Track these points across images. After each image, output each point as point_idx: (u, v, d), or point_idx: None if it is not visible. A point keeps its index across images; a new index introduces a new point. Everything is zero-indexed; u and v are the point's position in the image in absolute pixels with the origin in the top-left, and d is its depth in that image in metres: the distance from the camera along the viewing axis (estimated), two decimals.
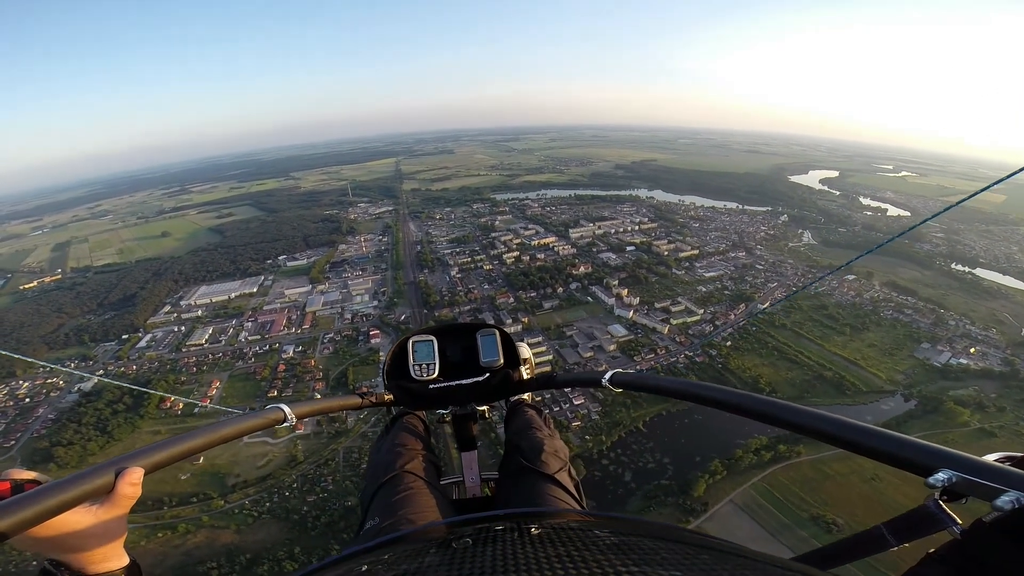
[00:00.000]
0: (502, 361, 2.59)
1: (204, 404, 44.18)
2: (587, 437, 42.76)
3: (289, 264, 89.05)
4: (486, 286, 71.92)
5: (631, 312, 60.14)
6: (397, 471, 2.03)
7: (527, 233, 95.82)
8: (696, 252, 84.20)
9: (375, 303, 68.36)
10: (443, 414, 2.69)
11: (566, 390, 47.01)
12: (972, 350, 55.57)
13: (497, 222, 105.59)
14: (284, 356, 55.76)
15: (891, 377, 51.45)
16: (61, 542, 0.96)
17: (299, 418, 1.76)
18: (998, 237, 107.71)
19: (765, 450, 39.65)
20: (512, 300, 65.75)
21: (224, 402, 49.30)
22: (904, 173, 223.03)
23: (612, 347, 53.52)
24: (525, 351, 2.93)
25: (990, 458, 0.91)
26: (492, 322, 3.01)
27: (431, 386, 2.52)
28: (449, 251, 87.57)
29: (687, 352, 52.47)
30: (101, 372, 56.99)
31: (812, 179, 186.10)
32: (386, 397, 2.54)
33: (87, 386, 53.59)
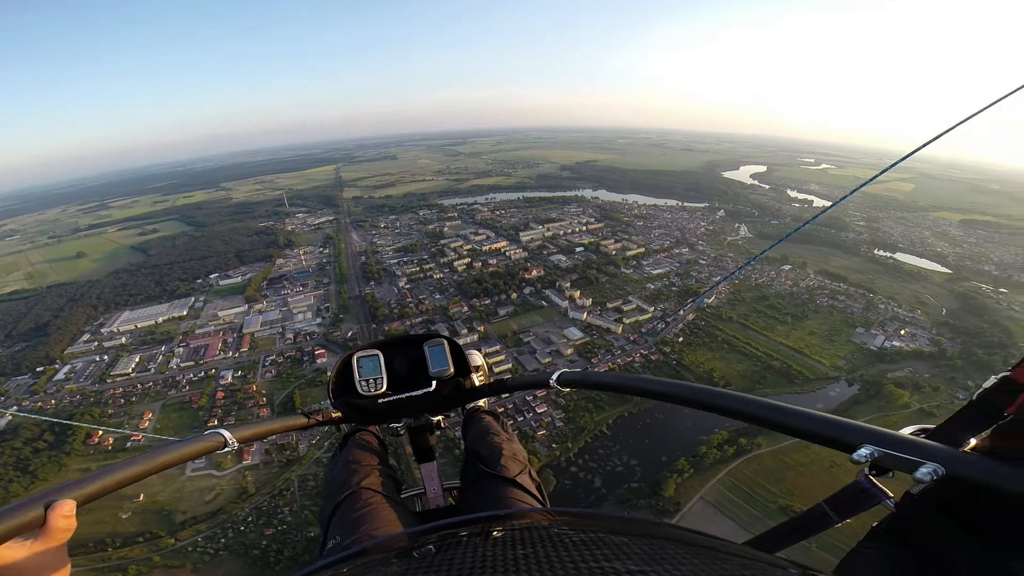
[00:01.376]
0: (452, 370, 2.53)
1: (137, 438, 40.12)
2: (554, 445, 42.25)
3: (222, 283, 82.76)
4: (438, 296, 70.08)
5: (585, 314, 60.48)
6: (354, 488, 1.97)
7: (478, 238, 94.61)
8: (642, 250, 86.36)
9: (319, 320, 64.76)
10: (397, 427, 2.62)
11: (528, 399, 46.73)
12: (903, 332, 60.04)
13: (446, 228, 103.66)
14: (222, 382, 51.75)
15: (834, 363, 54.27)
16: None
17: (241, 443, 1.65)
18: (912, 223, 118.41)
19: (727, 444, 40.60)
20: (466, 309, 64.38)
21: (160, 433, 45.06)
22: (824, 166, 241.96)
23: (569, 351, 53.47)
24: (476, 358, 2.93)
25: (906, 431, 0.97)
26: (443, 332, 3.03)
27: (380, 400, 2.46)
28: (396, 261, 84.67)
29: (642, 351, 53.35)
30: (15, 408, 50.84)
31: (743, 174, 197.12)
32: (333, 415, 2.42)
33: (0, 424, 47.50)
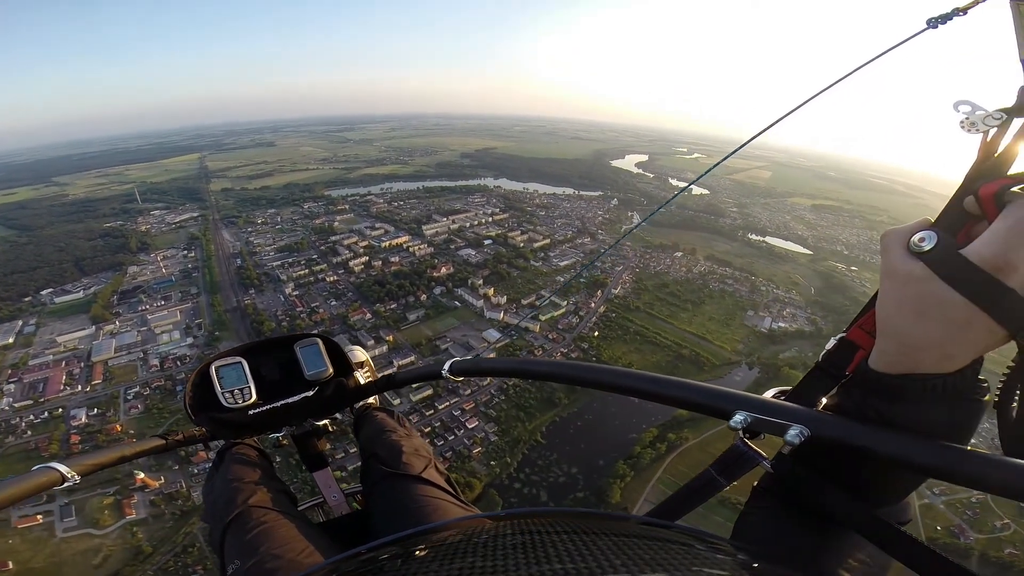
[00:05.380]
0: (331, 370, 2.33)
1: None
2: (492, 463, 39.72)
3: (58, 300, 65.20)
4: (334, 302, 62.44)
5: (501, 313, 57.99)
6: (241, 507, 1.80)
7: (375, 234, 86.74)
8: (548, 241, 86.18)
9: (189, 340, 54.03)
10: (278, 437, 2.39)
11: (456, 415, 43.23)
12: (784, 312, 66.78)
13: (337, 223, 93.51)
14: (74, 423, 42.19)
15: (734, 348, 58.43)
16: None
17: (83, 475, 1.54)
18: (774, 208, 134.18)
19: (658, 442, 41.14)
20: (369, 316, 58.05)
21: None
22: (696, 155, 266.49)
23: (492, 355, 50.29)
24: (360, 354, 2.87)
25: (769, 394, 1.04)
26: (314, 331, 2.51)
27: (251, 412, 2.21)
28: (280, 263, 73.95)
29: (562, 349, 52.34)
30: None
31: (629, 163, 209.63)
32: (197, 433, 2.18)
33: None
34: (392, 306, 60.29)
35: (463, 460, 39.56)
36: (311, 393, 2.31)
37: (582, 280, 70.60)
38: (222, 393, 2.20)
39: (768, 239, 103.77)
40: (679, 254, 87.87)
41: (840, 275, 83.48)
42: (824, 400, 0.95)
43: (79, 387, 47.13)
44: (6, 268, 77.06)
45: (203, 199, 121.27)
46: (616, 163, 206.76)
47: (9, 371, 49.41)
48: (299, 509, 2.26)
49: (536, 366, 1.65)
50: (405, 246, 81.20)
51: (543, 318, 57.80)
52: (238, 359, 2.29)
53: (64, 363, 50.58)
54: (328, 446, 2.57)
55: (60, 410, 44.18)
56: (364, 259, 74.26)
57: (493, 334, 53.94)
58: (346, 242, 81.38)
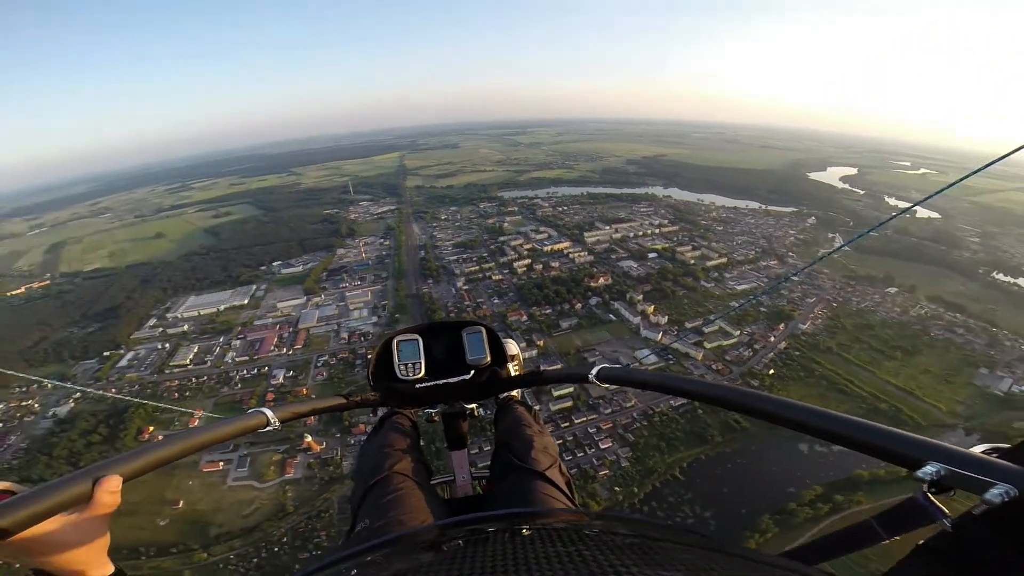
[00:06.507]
0: (489, 359, 2.51)
1: (194, 424, 39.14)
2: (616, 488, 37.53)
3: (284, 271, 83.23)
4: (496, 300, 66.24)
5: (660, 334, 54.35)
6: (386, 472, 1.99)
7: (539, 237, 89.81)
8: (724, 260, 77.99)
9: (374, 319, 62.66)
10: (432, 413, 2.61)
11: (591, 432, 42.05)
12: None
13: (506, 224, 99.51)
14: (273, 382, 50.35)
15: (951, 408, 46.13)
16: (43, 552, 0.96)
17: (283, 422, 1.72)
18: None
19: (822, 501, 34.71)
20: (525, 318, 60.03)
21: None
22: (923, 171, 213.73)
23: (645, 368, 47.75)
24: (512, 348, 2.93)
25: (977, 450, 0.92)
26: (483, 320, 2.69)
27: (417, 386, 2.43)
28: (455, 257, 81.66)
29: (725, 382, 46.66)
30: (90, 390, 52.11)
31: (832, 176, 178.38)
32: (371, 397, 2.45)
33: (62, 411, 49.00)
34: (547, 311, 61.39)
35: (587, 480, 37.72)
36: (468, 376, 2.47)
37: (762, 308, 62.09)
38: (399, 365, 2.42)
39: (1022, 281, 77.54)
40: (892, 290, 71.26)
41: None
42: None
43: (284, 349, 56.05)
44: (253, 241, 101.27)
45: (400, 194, 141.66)
46: (815, 176, 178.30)
47: (239, 328, 62.38)
48: (431, 483, 2.40)
49: (689, 385, 1.53)
50: (565, 251, 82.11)
51: (709, 346, 52.39)
52: (416, 336, 2.50)
53: (278, 327, 62.01)
54: (468, 428, 2.67)
55: (267, 368, 52.42)
56: (527, 261, 77.31)
57: (646, 353, 50.86)
58: (512, 243, 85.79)
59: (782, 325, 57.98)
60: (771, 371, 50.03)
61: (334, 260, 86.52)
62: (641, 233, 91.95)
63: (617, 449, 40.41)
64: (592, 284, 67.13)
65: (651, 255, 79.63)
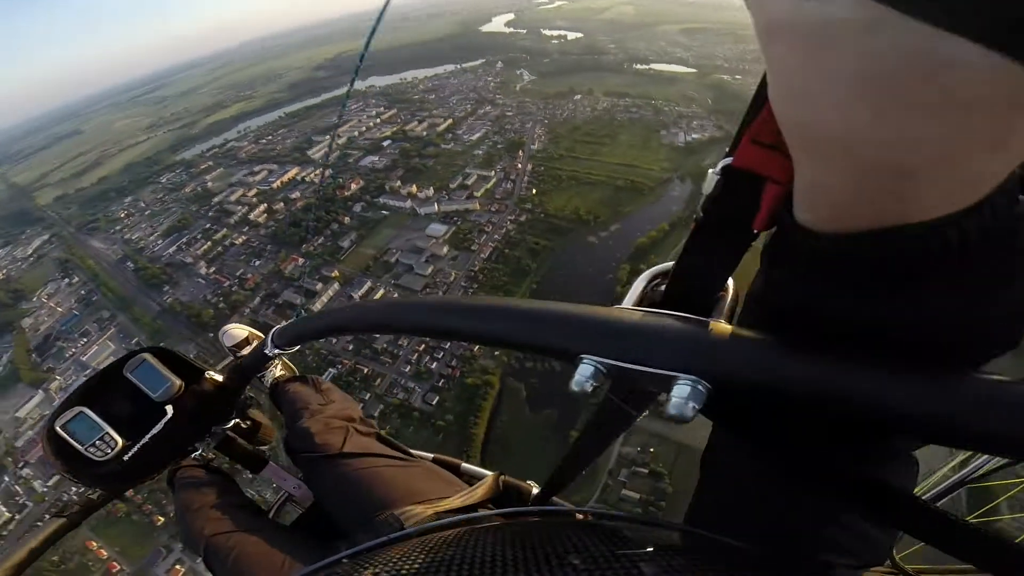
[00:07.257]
0: (178, 383, 1.92)
1: None
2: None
3: None
4: (256, 262, 55.64)
5: (435, 205, 54.30)
6: (204, 541, 1.68)
7: (259, 178, 76.04)
8: (451, 121, 79.87)
9: None
10: (202, 454, 2.06)
11: None
12: (693, 124, 67.80)
13: (209, 183, 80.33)
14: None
15: (661, 166, 59.47)
16: None
17: None
18: (650, 38, 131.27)
19: (632, 273, 42.64)
20: (302, 261, 52.32)
21: None
22: (558, 3, 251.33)
23: (445, 249, 48.00)
24: (238, 332, 2.38)
25: (635, 294, 0.73)
26: (142, 346, 2.05)
27: (126, 457, 1.86)
28: (174, 248, 63.59)
29: (510, 218, 50.72)
30: None
31: (498, 25, 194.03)
32: (93, 498, 1.91)
33: None
34: (319, 241, 54.55)
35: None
36: (171, 414, 1.92)
37: (499, 145, 67.25)
38: (85, 450, 1.84)
39: (653, 66, 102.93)
40: (578, 96, 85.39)
41: (728, 84, 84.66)
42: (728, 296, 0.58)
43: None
44: None
45: (42, 218, 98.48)
46: (486, 28, 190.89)
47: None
48: (271, 514, 2.09)
49: (372, 314, 1.08)
50: (299, 178, 72.04)
51: (478, 193, 55.05)
52: (78, 409, 1.89)
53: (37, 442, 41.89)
54: (254, 441, 2.18)
55: None
56: (263, 207, 65.59)
57: (437, 228, 50.94)
58: (232, 198, 70.86)
59: (520, 152, 64.26)
60: (533, 191, 56.16)
61: (29, 335, 57.73)
62: (364, 128, 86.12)
63: None
64: (346, 194, 61.46)
65: (385, 143, 76.36)
